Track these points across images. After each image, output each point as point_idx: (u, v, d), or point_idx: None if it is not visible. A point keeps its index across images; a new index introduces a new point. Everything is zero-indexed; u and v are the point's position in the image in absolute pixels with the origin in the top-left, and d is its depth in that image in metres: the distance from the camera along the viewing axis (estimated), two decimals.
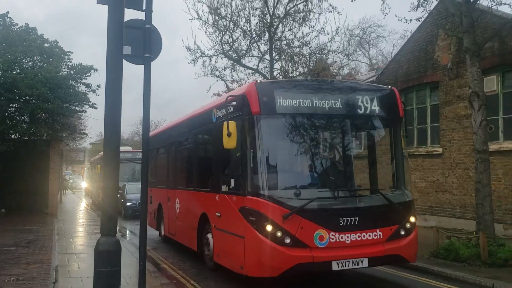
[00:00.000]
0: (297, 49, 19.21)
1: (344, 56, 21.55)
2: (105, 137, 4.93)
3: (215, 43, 18.87)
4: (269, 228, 6.85)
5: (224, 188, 8.27)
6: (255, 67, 19.44)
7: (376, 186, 8.44)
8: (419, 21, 13.80)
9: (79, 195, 43.45)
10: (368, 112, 7.89)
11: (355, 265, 7.20)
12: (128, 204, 21.41)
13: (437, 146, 15.18)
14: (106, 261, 4.62)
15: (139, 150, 25.37)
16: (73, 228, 17.05)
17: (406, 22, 12.72)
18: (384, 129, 8.64)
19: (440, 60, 15.30)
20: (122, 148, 29.45)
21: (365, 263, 7.25)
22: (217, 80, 20.53)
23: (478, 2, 11.44)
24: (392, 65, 17.96)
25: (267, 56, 19.09)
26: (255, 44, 19.20)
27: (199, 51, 18.94)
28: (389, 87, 8.59)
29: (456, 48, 14.44)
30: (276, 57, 19.10)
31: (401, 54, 17.49)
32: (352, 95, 7.93)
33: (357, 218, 7.22)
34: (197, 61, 19.20)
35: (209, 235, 9.10)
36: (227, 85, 20.39)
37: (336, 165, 8.44)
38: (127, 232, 16.90)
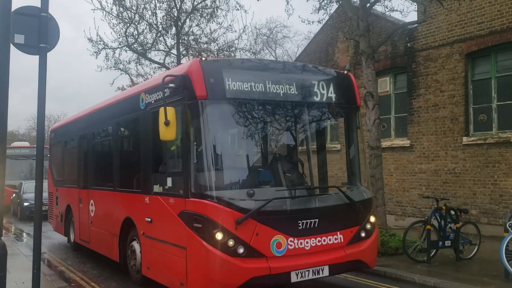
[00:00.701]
0: (205, 45, 19.22)
1: (251, 54, 22.08)
2: None
3: (119, 35, 18.26)
4: (219, 236, 5.73)
5: (157, 188, 7.03)
6: (161, 61, 19.11)
7: (333, 183, 7.84)
8: (320, 23, 14.49)
9: None
10: (325, 99, 7.00)
11: (315, 275, 6.30)
12: (26, 204, 19.75)
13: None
14: None
15: None
16: None
17: (309, 23, 13.30)
18: (342, 119, 7.86)
19: (339, 61, 16.16)
20: (18, 144, 27.50)
21: (326, 271, 6.40)
22: (121, 74, 19.97)
23: (373, 7, 12.23)
24: None
25: (174, 51, 18.86)
26: (161, 38, 18.88)
27: (102, 42, 18.24)
28: (346, 72, 7.64)
29: (353, 50, 15.33)
30: (184, 52, 18.91)
31: (304, 55, 18.19)
32: (309, 79, 7.03)
33: (317, 220, 6.34)
34: (100, 53, 18.52)
35: (136, 244, 7.81)
36: (131, 79, 19.84)
37: (293, 160, 7.42)
38: (24, 234, 15.71)
